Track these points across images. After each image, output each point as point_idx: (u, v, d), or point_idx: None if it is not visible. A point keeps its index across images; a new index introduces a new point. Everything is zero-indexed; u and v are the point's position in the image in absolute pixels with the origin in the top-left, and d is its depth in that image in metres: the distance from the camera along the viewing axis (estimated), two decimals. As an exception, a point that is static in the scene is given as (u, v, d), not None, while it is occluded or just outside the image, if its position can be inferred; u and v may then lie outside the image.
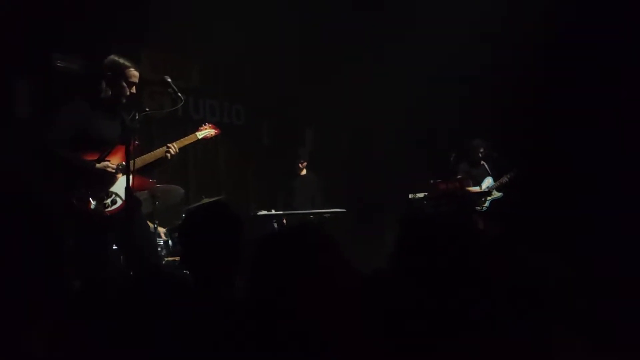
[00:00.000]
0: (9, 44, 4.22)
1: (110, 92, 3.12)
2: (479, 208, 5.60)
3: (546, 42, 5.50)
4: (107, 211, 3.04)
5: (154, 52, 5.51)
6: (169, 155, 3.25)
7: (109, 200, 3.05)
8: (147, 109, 3.25)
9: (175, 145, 3.29)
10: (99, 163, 3.03)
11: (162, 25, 5.14)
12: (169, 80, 3.27)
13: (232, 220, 1.83)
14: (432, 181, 5.50)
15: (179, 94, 3.27)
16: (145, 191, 3.89)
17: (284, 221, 5.46)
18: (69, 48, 4.74)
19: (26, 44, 4.37)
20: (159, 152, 3.27)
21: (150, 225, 3.89)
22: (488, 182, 5.75)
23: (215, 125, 3.72)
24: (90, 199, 3.00)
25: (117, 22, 4.78)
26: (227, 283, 1.77)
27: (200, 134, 3.54)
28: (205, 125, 3.64)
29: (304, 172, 5.92)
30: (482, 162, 5.80)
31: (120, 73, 3.11)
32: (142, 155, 3.19)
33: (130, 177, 2.85)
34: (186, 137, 3.45)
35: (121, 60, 3.13)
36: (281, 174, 5.93)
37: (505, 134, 5.69)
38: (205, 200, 4.57)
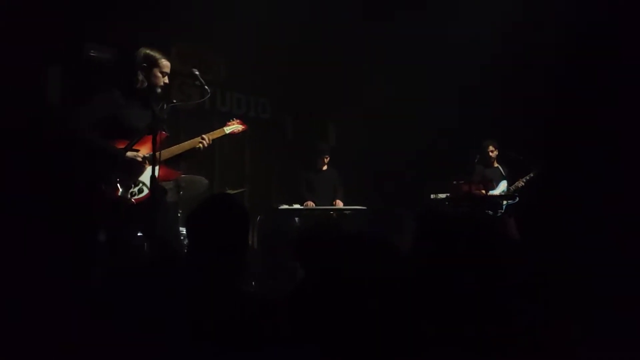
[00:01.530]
0: (43, 33, 4.34)
1: (145, 83, 3.20)
2: (491, 213, 5.50)
3: (564, 40, 5.43)
4: (134, 199, 3.12)
5: (182, 44, 5.60)
6: (201, 146, 3.32)
7: (136, 189, 3.13)
8: (175, 101, 3.32)
9: (208, 137, 3.36)
10: (128, 152, 3.11)
11: (191, 18, 5.23)
12: (197, 72, 3.34)
13: (238, 212, 1.84)
14: (454, 182, 5.47)
15: (206, 87, 3.34)
16: (171, 181, 3.96)
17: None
18: (101, 39, 4.85)
19: (60, 33, 4.49)
20: (192, 142, 3.33)
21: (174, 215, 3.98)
22: (503, 185, 5.68)
23: (241, 118, 3.78)
24: (118, 185, 3.09)
25: (147, 14, 4.88)
26: (233, 274, 1.78)
27: (228, 129, 3.59)
28: (233, 120, 3.69)
29: (325, 167, 5.95)
30: (497, 164, 5.74)
31: (154, 64, 3.19)
32: (170, 146, 3.27)
33: (157, 167, 2.93)
34: (214, 131, 3.50)
35: (155, 52, 3.22)
36: (303, 169, 5.96)
37: (523, 135, 5.64)
38: (230, 192, 4.64)
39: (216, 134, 3.49)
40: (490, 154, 5.70)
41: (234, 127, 3.63)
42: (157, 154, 2.94)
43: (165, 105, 3.21)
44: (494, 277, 1.44)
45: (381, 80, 6.60)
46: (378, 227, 5.33)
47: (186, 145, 3.31)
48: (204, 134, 3.38)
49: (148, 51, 3.22)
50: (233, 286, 1.76)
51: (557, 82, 5.61)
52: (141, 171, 3.16)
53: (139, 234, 3.35)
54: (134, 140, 3.10)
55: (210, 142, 3.36)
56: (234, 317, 1.60)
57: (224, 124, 3.66)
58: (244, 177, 6.33)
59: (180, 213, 4.30)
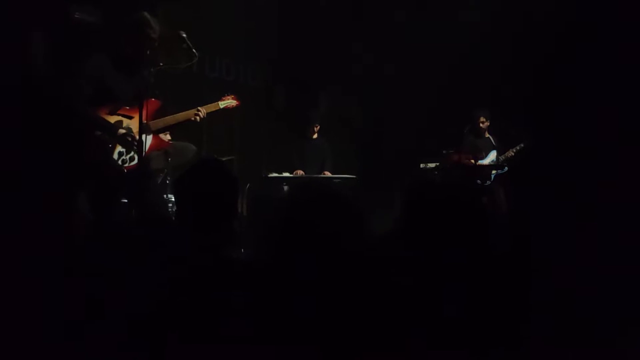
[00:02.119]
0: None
1: (131, 48, 3.13)
2: (480, 182, 5.54)
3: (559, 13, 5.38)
4: (125, 167, 3.11)
5: (170, 7, 5.46)
6: (197, 118, 3.33)
7: (127, 157, 3.12)
8: (161, 64, 3.27)
9: (204, 110, 3.36)
10: (120, 129, 3.07)
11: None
12: (184, 35, 3.29)
13: (226, 178, 1.81)
14: (444, 151, 5.48)
15: (194, 50, 3.29)
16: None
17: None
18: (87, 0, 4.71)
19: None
20: (187, 114, 3.34)
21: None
22: (493, 155, 5.69)
23: (231, 85, 3.76)
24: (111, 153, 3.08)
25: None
26: (222, 240, 1.77)
27: (222, 104, 3.62)
28: (227, 95, 3.71)
29: (315, 136, 5.92)
30: (488, 134, 5.75)
31: (143, 28, 3.12)
32: (163, 115, 3.26)
33: (150, 136, 2.91)
34: (209, 105, 3.51)
35: (143, 16, 3.14)
36: (293, 137, 5.93)
37: (514, 106, 5.63)
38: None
39: (210, 107, 3.51)
40: (481, 124, 5.70)
41: (228, 102, 3.66)
42: (147, 122, 2.94)
43: (152, 69, 3.15)
44: (477, 248, 1.45)
45: (373, 48, 6.52)
46: (367, 195, 5.35)
47: (180, 117, 3.33)
48: (196, 103, 3.41)
49: (137, 14, 3.15)
50: (221, 253, 1.75)
51: (553, 52, 5.57)
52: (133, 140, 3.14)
53: (124, 200, 3.35)
54: (116, 107, 3.08)
55: (205, 115, 3.36)
56: (221, 283, 1.60)
57: (213, 90, 3.64)
58: (233, 145, 6.28)
59: (168, 180, 4.28)
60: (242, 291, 1.50)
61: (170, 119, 3.29)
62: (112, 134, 3.06)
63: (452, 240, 1.40)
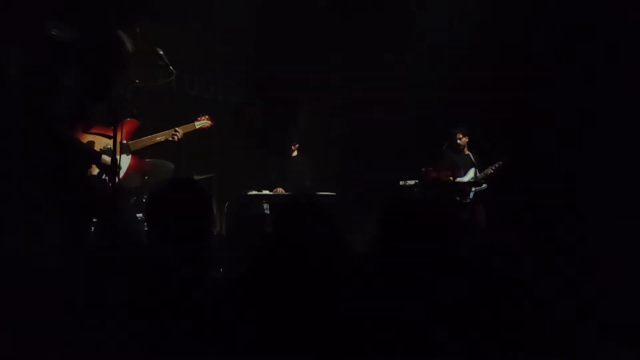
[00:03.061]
0: (2, 11, 4.16)
1: (105, 66, 3.11)
2: (459, 199, 5.56)
3: (544, 27, 5.49)
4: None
5: (147, 23, 5.44)
6: (175, 138, 3.42)
7: (105, 177, 3.08)
8: (137, 81, 3.26)
9: (181, 131, 3.45)
10: (103, 156, 3.05)
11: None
12: (161, 52, 3.29)
13: (198, 196, 1.79)
14: (423, 169, 5.50)
15: (171, 67, 3.30)
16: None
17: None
18: (63, 16, 4.67)
19: (19, 11, 4.30)
20: (165, 134, 3.40)
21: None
22: (472, 173, 5.73)
23: (210, 102, 3.79)
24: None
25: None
26: (195, 260, 1.73)
27: (197, 124, 3.78)
28: (202, 116, 3.85)
29: (295, 153, 5.91)
30: (467, 151, 5.80)
31: (117, 47, 3.10)
32: (142, 135, 3.26)
33: (130, 156, 2.96)
34: (185, 125, 3.61)
35: (119, 34, 3.13)
36: (273, 155, 5.91)
37: (494, 124, 5.69)
38: (197, 178, 4.57)
39: (187, 127, 3.61)
40: (459, 141, 5.75)
41: (203, 122, 3.82)
42: (126, 142, 2.92)
43: (128, 86, 3.14)
44: (450, 264, 1.45)
45: (353, 65, 6.57)
46: (346, 213, 5.34)
47: (157, 137, 3.37)
48: (175, 120, 3.47)
49: (114, 32, 3.13)
50: (196, 272, 1.72)
51: (532, 67, 5.65)
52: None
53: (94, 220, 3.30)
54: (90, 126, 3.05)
55: (182, 135, 3.46)
56: (198, 301, 1.57)
57: (192, 108, 3.66)
58: (212, 162, 6.23)
59: (145, 198, 4.21)
60: (221, 306, 1.48)
61: (148, 140, 3.32)
62: (97, 162, 3.04)
63: (424, 255, 1.40)
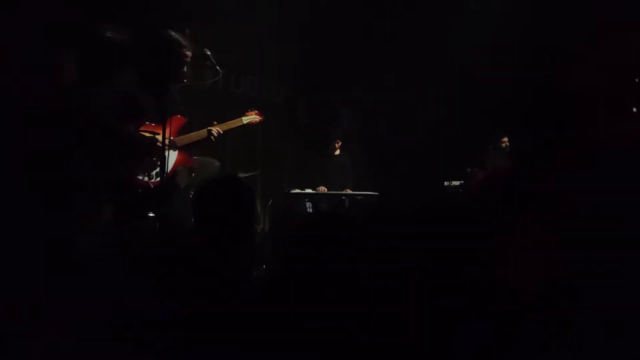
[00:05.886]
0: (58, 13, 4.32)
1: (165, 66, 3.19)
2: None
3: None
4: (152, 182, 3.16)
5: (196, 24, 5.56)
6: (212, 137, 3.37)
7: (154, 173, 3.17)
8: (186, 81, 3.32)
9: (218, 129, 3.41)
10: (145, 135, 3.13)
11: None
12: (209, 53, 3.34)
13: (243, 194, 1.83)
14: (469, 169, 5.42)
15: (217, 67, 3.35)
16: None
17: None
18: (116, 19, 4.83)
19: (75, 13, 4.47)
20: (201, 133, 3.38)
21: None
22: None
23: (255, 101, 3.80)
24: (139, 171, 3.12)
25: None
26: (240, 256, 1.78)
27: (245, 119, 3.67)
28: (251, 110, 3.75)
29: (337, 152, 5.92)
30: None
31: (175, 51, 3.18)
32: (189, 131, 3.31)
33: (176, 152, 2.95)
34: (232, 121, 3.57)
35: (177, 38, 3.20)
36: (316, 153, 5.94)
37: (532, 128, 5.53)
38: (241, 175, 4.65)
39: (234, 123, 3.57)
40: (503, 144, 5.65)
41: (251, 117, 3.71)
42: (173, 138, 2.98)
43: (178, 86, 3.21)
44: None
45: (395, 65, 6.52)
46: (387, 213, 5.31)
47: (194, 136, 3.35)
48: (221, 118, 3.46)
49: (171, 36, 3.21)
50: (241, 269, 1.76)
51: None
52: (160, 155, 3.18)
53: (150, 214, 3.39)
54: (141, 122, 3.13)
55: (222, 132, 3.41)
56: (241, 300, 1.60)
57: (237, 106, 3.69)
58: (255, 161, 6.32)
59: (192, 195, 4.31)
60: (262, 303, 1.51)
61: (186, 139, 3.33)
62: (141, 143, 3.09)
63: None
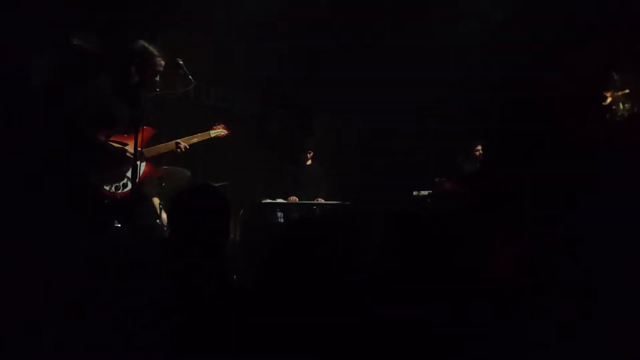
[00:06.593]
0: (27, 21, 4.27)
1: (136, 77, 3.19)
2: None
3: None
4: (119, 193, 3.15)
5: (168, 34, 5.55)
6: (179, 150, 3.44)
7: (121, 184, 3.16)
8: (158, 90, 3.33)
9: (184, 143, 3.48)
10: (115, 144, 3.13)
11: (179, 7, 5.19)
12: (181, 62, 3.36)
13: (218, 202, 1.86)
14: (437, 179, 5.51)
15: (190, 77, 3.37)
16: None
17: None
18: (86, 27, 4.79)
19: (44, 21, 4.41)
20: (169, 145, 3.44)
21: (156, 205, 3.98)
22: None
23: (226, 112, 3.84)
24: (106, 182, 3.12)
25: (133, 2, 4.83)
26: (213, 264, 1.79)
27: (213, 133, 3.79)
28: (218, 124, 3.85)
29: (309, 162, 5.96)
30: (479, 164, 5.79)
31: (148, 60, 3.19)
32: (157, 143, 3.32)
33: (144, 163, 2.97)
34: (200, 134, 3.66)
35: (150, 48, 3.22)
36: (287, 163, 5.97)
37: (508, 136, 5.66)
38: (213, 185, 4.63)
39: (202, 136, 3.65)
40: (476, 153, 5.75)
41: (218, 131, 3.82)
42: (141, 149, 3.00)
43: (149, 95, 3.22)
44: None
45: (368, 76, 6.61)
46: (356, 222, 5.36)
47: (162, 148, 3.38)
48: (192, 130, 3.50)
49: (144, 46, 3.22)
50: (214, 276, 1.77)
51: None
52: (128, 167, 3.18)
53: (116, 225, 3.37)
54: (111, 133, 3.13)
55: (188, 147, 3.49)
56: (213, 305, 1.61)
57: (208, 117, 3.71)
58: (227, 171, 6.30)
59: (161, 205, 4.29)
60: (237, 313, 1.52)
61: (163, 147, 3.36)
62: (119, 156, 3.09)
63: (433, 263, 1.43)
